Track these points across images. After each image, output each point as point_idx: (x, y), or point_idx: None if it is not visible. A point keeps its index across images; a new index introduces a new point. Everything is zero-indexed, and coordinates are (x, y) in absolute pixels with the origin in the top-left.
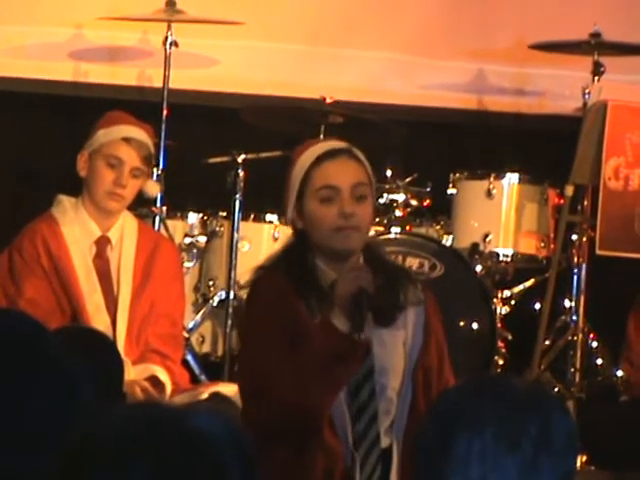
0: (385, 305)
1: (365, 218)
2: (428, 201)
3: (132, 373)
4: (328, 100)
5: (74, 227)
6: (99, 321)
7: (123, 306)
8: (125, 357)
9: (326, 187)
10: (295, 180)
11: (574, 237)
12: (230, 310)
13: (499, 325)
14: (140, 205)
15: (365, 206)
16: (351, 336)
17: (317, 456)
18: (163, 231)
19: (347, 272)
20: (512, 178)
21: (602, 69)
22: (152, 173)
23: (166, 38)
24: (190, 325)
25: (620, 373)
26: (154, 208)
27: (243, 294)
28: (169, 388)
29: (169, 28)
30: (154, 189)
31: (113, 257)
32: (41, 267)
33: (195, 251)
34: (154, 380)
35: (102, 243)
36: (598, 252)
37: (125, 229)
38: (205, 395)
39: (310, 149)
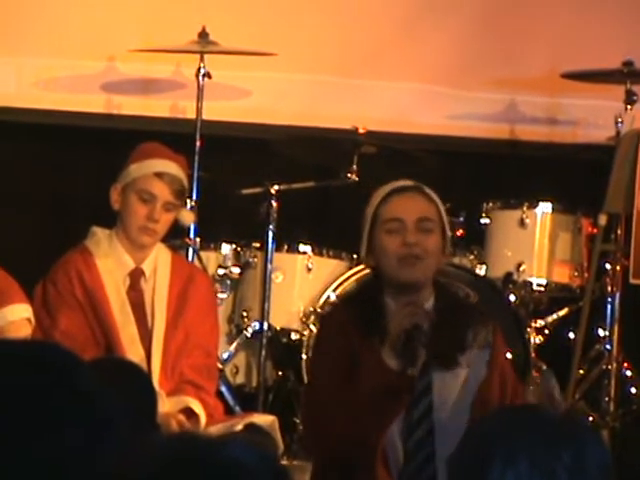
0: (447, 348)
1: (429, 249)
2: (461, 231)
3: (167, 405)
4: (361, 130)
5: (108, 259)
6: (133, 353)
7: (158, 338)
8: (160, 389)
9: (392, 220)
10: (367, 218)
11: (608, 266)
12: (264, 341)
13: (533, 355)
14: (174, 237)
15: (430, 238)
16: (399, 371)
17: None
18: (197, 262)
19: (402, 308)
20: (545, 207)
21: (635, 98)
22: (186, 204)
23: (199, 69)
24: (224, 356)
25: None
26: (187, 239)
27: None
28: (203, 420)
29: (202, 59)
30: (189, 218)
31: (147, 289)
32: (75, 299)
33: (229, 282)
34: (188, 412)
35: (136, 275)
36: (632, 281)
37: (159, 261)
38: (240, 426)
39: (381, 188)
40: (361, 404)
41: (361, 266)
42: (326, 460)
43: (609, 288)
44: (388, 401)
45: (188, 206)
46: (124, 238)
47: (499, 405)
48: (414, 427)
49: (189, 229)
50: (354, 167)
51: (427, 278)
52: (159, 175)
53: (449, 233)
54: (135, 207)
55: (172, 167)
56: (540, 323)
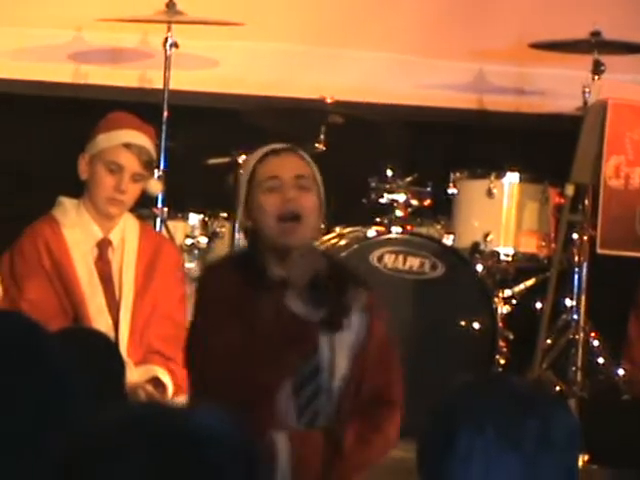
0: (332, 311)
1: (308, 208)
2: (429, 201)
3: (135, 375)
4: (328, 100)
5: (75, 229)
6: (101, 323)
7: (126, 308)
8: (127, 358)
9: (270, 178)
10: (243, 182)
11: (575, 236)
12: None
13: (500, 324)
14: (141, 206)
15: (308, 196)
16: (302, 317)
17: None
18: (164, 232)
19: (299, 258)
20: (513, 177)
21: (602, 68)
22: (153, 174)
23: (166, 39)
24: None
25: (621, 372)
26: (155, 209)
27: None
28: (171, 389)
29: (169, 29)
30: (157, 187)
31: (115, 259)
32: (43, 269)
33: (196, 252)
34: (156, 382)
35: (104, 245)
36: (599, 251)
37: (126, 231)
38: None
39: (256, 152)
40: (260, 354)
41: (330, 235)
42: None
43: (576, 258)
44: (287, 349)
45: (156, 176)
46: (91, 208)
47: (374, 369)
48: (302, 386)
49: (157, 199)
50: (321, 137)
51: (307, 240)
52: (127, 146)
53: (323, 197)
54: (102, 178)
55: (140, 138)
56: (507, 293)
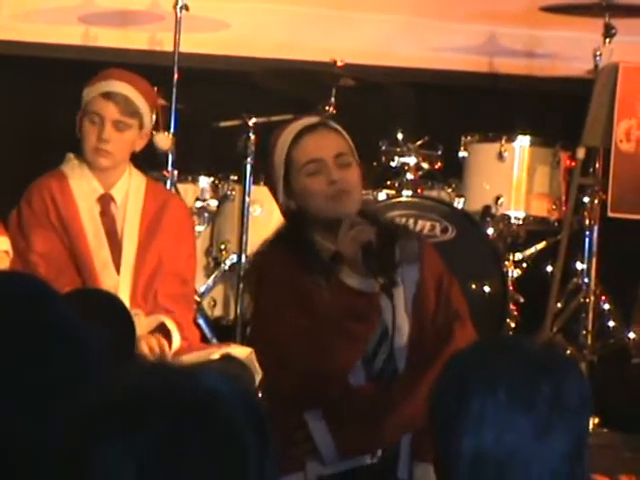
0: (385, 270)
1: (353, 182)
2: (439, 164)
3: (143, 323)
4: (339, 63)
5: (82, 181)
6: (107, 277)
7: (127, 262)
8: (137, 310)
9: (310, 162)
10: (279, 163)
11: (586, 199)
12: (241, 273)
13: (511, 288)
14: (151, 168)
15: (351, 171)
16: (362, 290)
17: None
18: None
19: (347, 230)
20: (523, 141)
21: (613, 31)
22: (142, 123)
23: (177, 2)
24: (202, 289)
25: (632, 335)
26: (165, 172)
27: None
28: (177, 337)
29: None
30: (165, 142)
31: (119, 215)
32: (50, 221)
33: (206, 215)
34: (161, 327)
35: (105, 201)
36: (610, 214)
37: (131, 187)
38: (216, 356)
39: (286, 130)
40: (327, 334)
41: None
42: (294, 401)
43: (587, 221)
44: (356, 324)
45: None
46: (88, 164)
47: (435, 317)
48: (374, 353)
49: (167, 161)
50: (332, 100)
51: (355, 210)
52: (106, 95)
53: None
54: (87, 130)
55: (121, 86)
56: (518, 256)
